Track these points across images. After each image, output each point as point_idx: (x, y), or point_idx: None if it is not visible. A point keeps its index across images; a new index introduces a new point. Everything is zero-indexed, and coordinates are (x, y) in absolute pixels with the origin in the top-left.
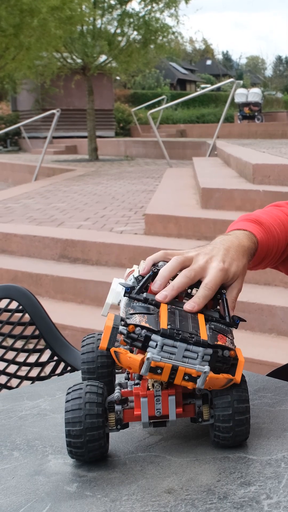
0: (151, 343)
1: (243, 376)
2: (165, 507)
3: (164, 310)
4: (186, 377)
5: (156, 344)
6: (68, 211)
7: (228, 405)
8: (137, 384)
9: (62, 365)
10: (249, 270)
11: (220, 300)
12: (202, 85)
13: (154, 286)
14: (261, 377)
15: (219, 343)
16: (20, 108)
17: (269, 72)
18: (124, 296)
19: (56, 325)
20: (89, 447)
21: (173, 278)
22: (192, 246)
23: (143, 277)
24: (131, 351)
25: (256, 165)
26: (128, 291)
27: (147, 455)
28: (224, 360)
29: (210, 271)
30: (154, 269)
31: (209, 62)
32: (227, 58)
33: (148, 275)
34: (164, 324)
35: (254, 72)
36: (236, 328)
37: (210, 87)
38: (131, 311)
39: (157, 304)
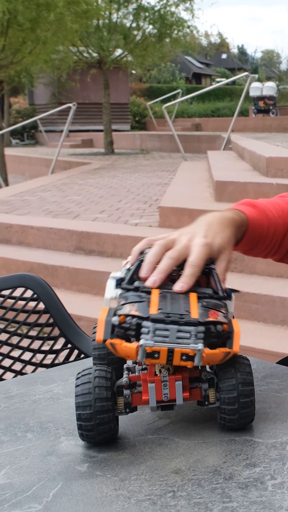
0: (143, 329)
1: (247, 359)
2: (172, 486)
3: (155, 295)
4: (184, 357)
5: (148, 330)
6: (84, 203)
7: (233, 388)
8: (145, 369)
9: (76, 352)
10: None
11: (211, 276)
12: (217, 79)
13: (141, 272)
14: (269, 364)
15: (210, 319)
16: (37, 102)
17: (284, 66)
18: (116, 288)
19: (71, 316)
20: (99, 429)
21: None
22: None
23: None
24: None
25: (269, 158)
26: (118, 282)
27: (156, 437)
28: (218, 335)
29: (193, 248)
30: (141, 258)
31: (224, 56)
32: (242, 52)
33: (136, 264)
34: (154, 309)
35: (269, 66)
36: (230, 300)
37: (224, 81)
38: (122, 302)
39: (148, 291)
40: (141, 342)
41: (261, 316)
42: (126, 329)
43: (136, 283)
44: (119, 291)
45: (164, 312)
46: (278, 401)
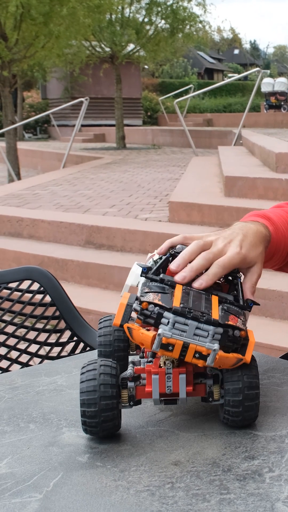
0: (163, 320)
1: (254, 361)
2: (171, 477)
3: (178, 290)
4: (197, 355)
5: (168, 321)
6: (95, 198)
7: (239, 391)
8: (150, 362)
9: (81, 345)
10: None
11: (236, 285)
12: (229, 75)
13: (173, 265)
14: (271, 358)
15: (230, 323)
16: (50, 96)
17: None
18: (141, 276)
19: (80, 309)
20: (104, 426)
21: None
22: None
23: (161, 258)
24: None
25: (279, 154)
26: (145, 271)
27: (157, 429)
28: (234, 340)
29: (227, 253)
30: (172, 252)
31: (236, 51)
32: (254, 47)
33: (165, 256)
34: (177, 302)
35: (281, 62)
36: (249, 311)
37: (235, 77)
38: (146, 290)
39: (173, 285)
40: (160, 331)
41: (268, 311)
42: (147, 316)
43: (161, 276)
44: (142, 279)
45: (185, 306)
46: (279, 395)
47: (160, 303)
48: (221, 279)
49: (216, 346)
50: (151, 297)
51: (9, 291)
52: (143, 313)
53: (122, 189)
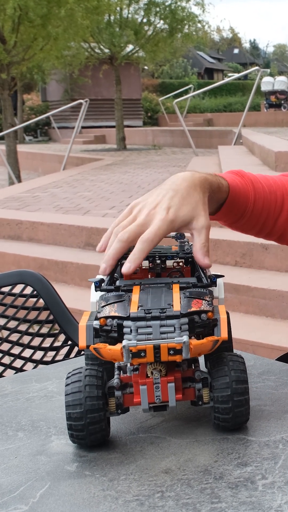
0: (125, 330)
1: (241, 357)
2: (161, 486)
3: (136, 292)
4: (171, 352)
5: (130, 330)
6: (94, 199)
7: (227, 386)
8: (136, 369)
9: (76, 349)
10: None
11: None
12: (229, 74)
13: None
14: (266, 360)
15: (193, 309)
16: (50, 99)
17: None
18: (96, 290)
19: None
20: (90, 429)
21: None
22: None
23: None
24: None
25: (278, 152)
26: (97, 285)
27: (148, 436)
28: (203, 324)
29: (152, 223)
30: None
31: (236, 51)
32: (254, 46)
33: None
34: (134, 307)
35: (281, 60)
36: (215, 286)
37: (234, 76)
38: (103, 304)
39: (129, 289)
40: (124, 342)
41: (269, 311)
42: (108, 332)
43: (118, 282)
44: (99, 293)
45: (144, 308)
46: (273, 398)
47: (116, 314)
48: (180, 263)
49: (185, 338)
50: (107, 310)
51: (1, 295)
52: (103, 330)
53: (122, 190)
